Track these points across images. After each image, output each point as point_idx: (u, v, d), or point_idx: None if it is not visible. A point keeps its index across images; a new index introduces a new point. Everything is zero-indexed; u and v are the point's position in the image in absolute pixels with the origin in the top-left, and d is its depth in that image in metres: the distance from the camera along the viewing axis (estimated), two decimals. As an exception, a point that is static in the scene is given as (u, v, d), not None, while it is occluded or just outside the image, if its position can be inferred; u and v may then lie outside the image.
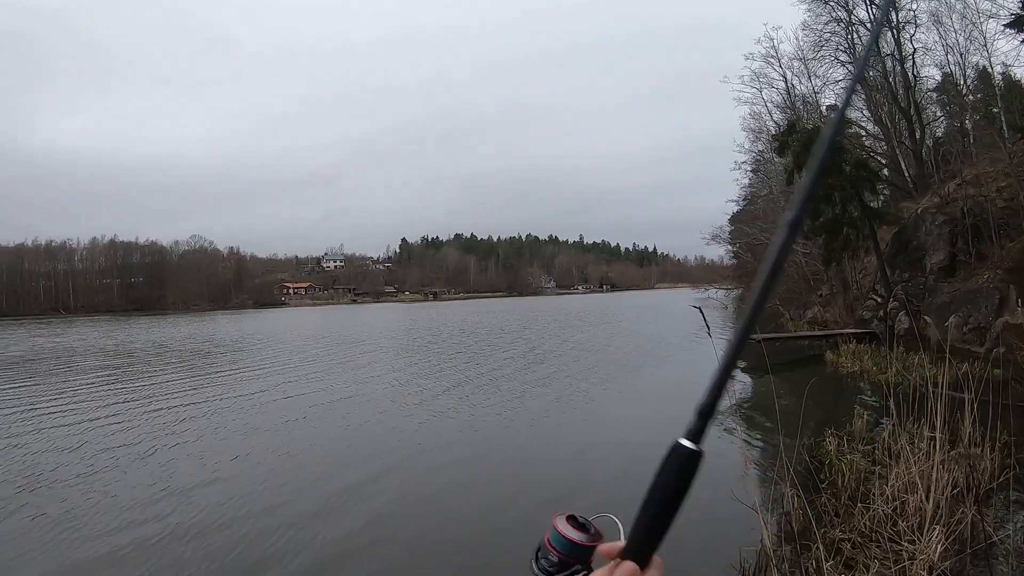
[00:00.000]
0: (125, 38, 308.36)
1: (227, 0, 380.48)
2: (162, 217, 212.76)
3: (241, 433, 13.38)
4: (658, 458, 0.86)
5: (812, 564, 5.60)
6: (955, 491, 6.46)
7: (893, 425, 8.25)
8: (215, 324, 66.30)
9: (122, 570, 6.92)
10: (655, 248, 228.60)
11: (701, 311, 6.82)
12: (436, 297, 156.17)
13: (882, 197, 29.81)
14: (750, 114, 39.61)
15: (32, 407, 16.79)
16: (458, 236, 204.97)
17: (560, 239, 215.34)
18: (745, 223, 42.47)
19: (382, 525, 8.18)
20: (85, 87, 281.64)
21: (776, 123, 36.03)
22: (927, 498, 6.26)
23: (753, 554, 6.23)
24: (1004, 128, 22.78)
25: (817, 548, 5.58)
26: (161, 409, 16.10)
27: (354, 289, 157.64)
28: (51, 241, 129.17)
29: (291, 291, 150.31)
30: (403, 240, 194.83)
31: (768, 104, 37.26)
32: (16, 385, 21.39)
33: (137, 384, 21.15)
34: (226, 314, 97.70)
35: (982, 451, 7.21)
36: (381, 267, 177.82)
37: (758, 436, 11.64)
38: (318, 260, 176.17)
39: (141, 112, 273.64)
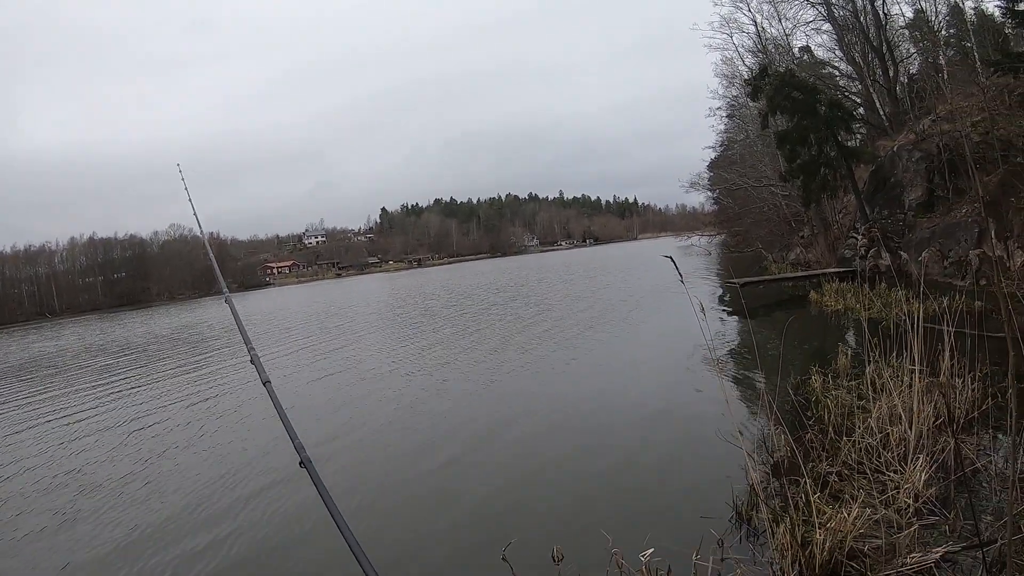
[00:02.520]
0: (103, 28, 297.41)
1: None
2: (143, 207, 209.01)
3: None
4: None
5: (801, 497, 5.74)
6: (937, 421, 6.61)
7: (876, 360, 8.36)
8: (204, 311, 65.38)
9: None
10: (636, 199, 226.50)
11: (672, 260, 6.86)
12: (420, 264, 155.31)
13: (858, 136, 29.82)
14: (722, 60, 39.04)
15: (58, 412, 16.19)
16: (438, 201, 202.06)
17: (540, 196, 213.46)
18: (723, 168, 42.39)
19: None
20: (57, 82, 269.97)
21: (748, 68, 35.62)
22: (910, 429, 6.40)
23: (744, 491, 6.39)
24: (977, 63, 22.77)
25: (805, 482, 5.71)
26: (190, 400, 15.77)
27: (338, 263, 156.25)
28: (30, 246, 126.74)
29: (275, 271, 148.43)
30: (383, 210, 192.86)
31: (739, 49, 36.80)
32: (41, 392, 20.37)
33: (154, 377, 20.77)
34: (212, 300, 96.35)
35: (962, 382, 7.35)
36: (363, 239, 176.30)
37: (744, 376, 11.84)
38: (299, 237, 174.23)
39: (118, 102, 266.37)
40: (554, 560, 5.02)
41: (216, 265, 5.52)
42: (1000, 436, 6.64)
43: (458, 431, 10.44)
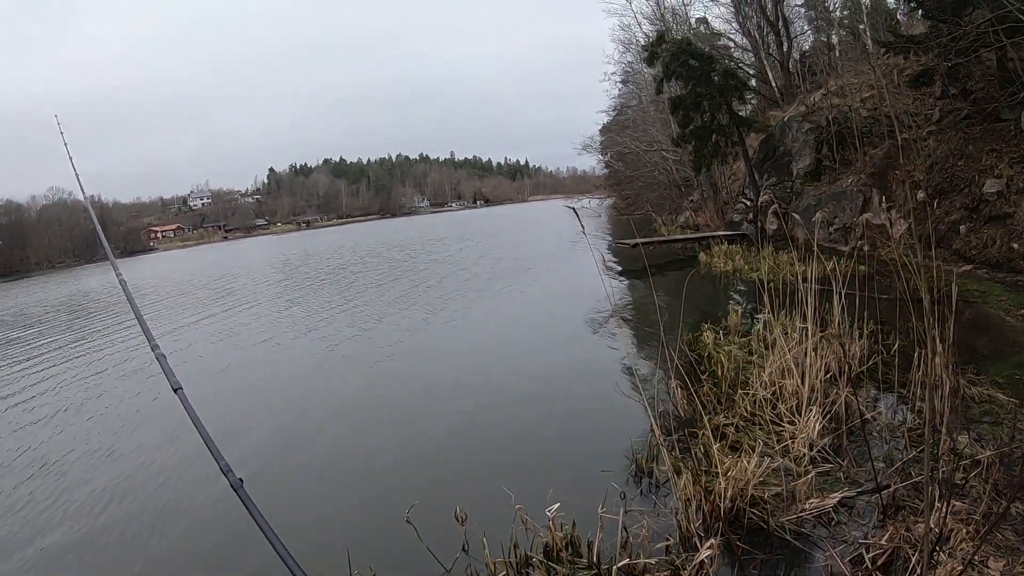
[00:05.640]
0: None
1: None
2: (18, 169, 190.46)
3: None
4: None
5: (700, 448, 5.78)
6: (828, 375, 6.79)
7: (767, 318, 8.55)
8: (87, 279, 59.50)
9: None
10: (527, 161, 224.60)
11: (575, 210, 6.74)
12: (309, 225, 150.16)
13: (750, 106, 30.66)
14: (619, 25, 39.50)
15: None
16: (327, 161, 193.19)
17: (431, 157, 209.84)
18: (616, 133, 42.82)
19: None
20: None
21: (645, 34, 35.84)
22: (803, 382, 6.54)
23: (643, 444, 6.38)
24: (869, 44, 23.66)
25: (704, 434, 5.74)
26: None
27: (224, 225, 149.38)
28: None
29: (159, 235, 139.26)
30: (271, 170, 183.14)
31: (637, 15, 37.20)
32: None
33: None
34: (95, 267, 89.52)
35: (850, 339, 7.59)
36: (250, 200, 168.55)
37: (640, 334, 11.92)
38: (184, 199, 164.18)
39: None
40: (458, 520, 4.83)
41: (99, 227, 4.88)
42: (887, 389, 6.87)
43: (354, 399, 10.08)
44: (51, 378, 13.93)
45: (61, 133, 5.47)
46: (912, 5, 16.93)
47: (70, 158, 5.32)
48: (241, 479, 2.49)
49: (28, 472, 8.41)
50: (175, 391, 2.97)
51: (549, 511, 4.72)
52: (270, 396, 10.94)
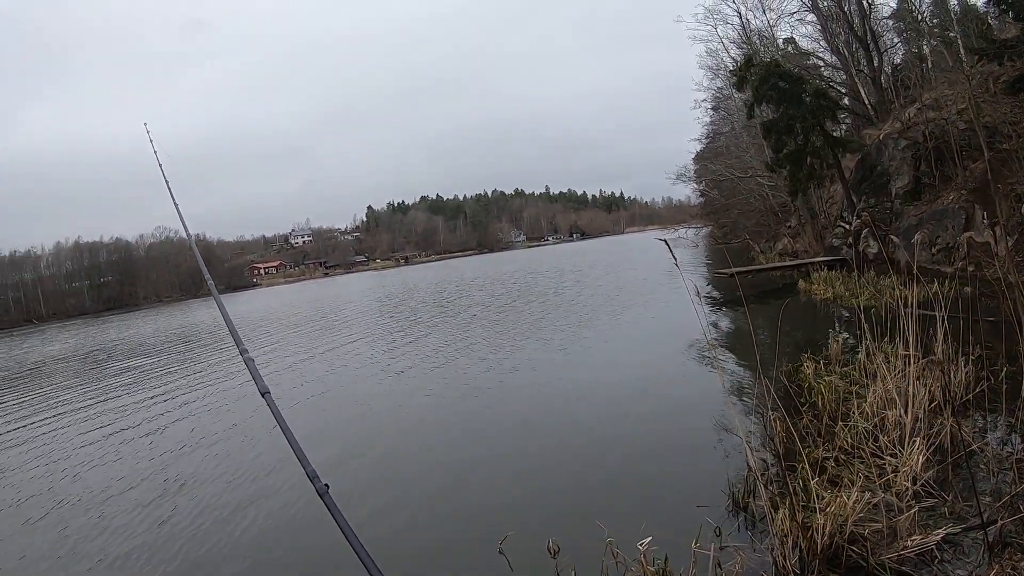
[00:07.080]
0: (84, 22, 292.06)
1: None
2: (131, 210, 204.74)
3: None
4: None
5: (799, 483, 5.70)
6: (932, 404, 6.58)
7: (868, 346, 8.35)
8: (193, 313, 63.62)
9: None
10: (622, 193, 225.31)
11: (667, 243, 6.78)
12: (407, 261, 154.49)
13: (844, 126, 29.90)
14: (706, 51, 39.46)
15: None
16: (424, 199, 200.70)
17: (526, 192, 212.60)
18: (709, 160, 42.40)
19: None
20: (45, 81, 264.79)
21: (733, 59, 35.61)
22: (906, 412, 6.36)
23: (740, 479, 6.34)
24: (962, 52, 22.83)
25: (803, 468, 5.67)
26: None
27: (325, 262, 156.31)
28: (15, 251, 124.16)
29: (262, 271, 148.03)
30: (369, 208, 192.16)
31: (724, 41, 36.93)
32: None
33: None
34: (201, 301, 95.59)
35: (956, 365, 7.34)
36: (349, 237, 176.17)
37: (738, 366, 11.75)
38: (285, 237, 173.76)
39: (106, 102, 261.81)
40: (550, 553, 4.95)
41: (201, 259, 5.20)
42: (995, 418, 6.62)
43: (453, 428, 10.31)
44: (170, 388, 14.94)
45: (163, 173, 5.68)
46: (1002, 7, 16.24)
47: (171, 195, 5.57)
48: (327, 485, 2.64)
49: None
50: (263, 395, 3.13)
51: (641, 545, 4.77)
52: (369, 419, 11.56)
